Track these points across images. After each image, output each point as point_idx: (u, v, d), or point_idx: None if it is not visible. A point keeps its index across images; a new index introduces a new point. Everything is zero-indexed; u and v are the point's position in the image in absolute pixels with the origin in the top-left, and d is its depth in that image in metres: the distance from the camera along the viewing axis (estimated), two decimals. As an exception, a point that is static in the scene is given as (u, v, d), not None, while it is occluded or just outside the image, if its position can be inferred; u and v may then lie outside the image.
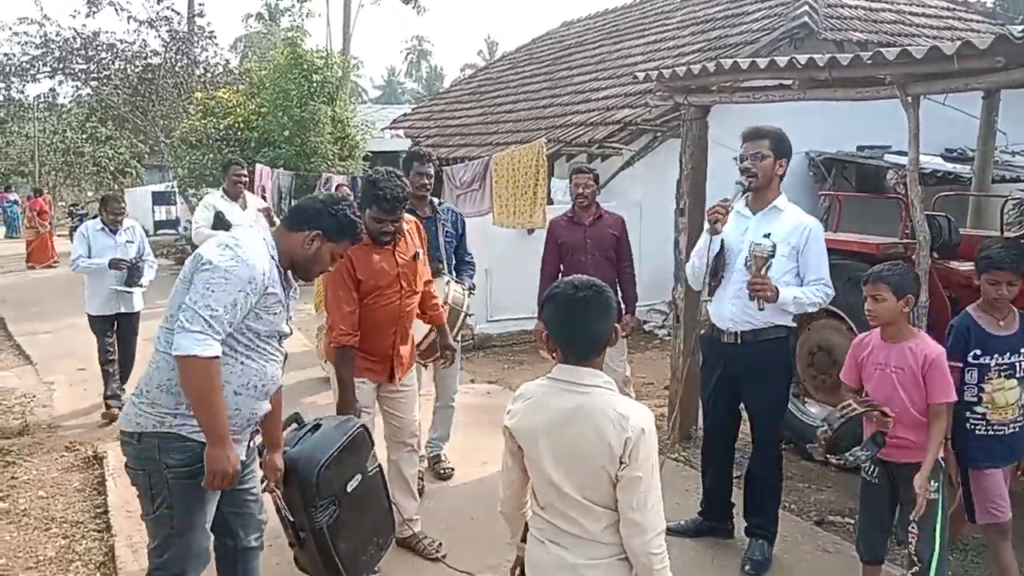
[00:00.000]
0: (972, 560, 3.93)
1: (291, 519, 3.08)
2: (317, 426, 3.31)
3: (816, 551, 3.90)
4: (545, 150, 7.56)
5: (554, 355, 2.11)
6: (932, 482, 3.00)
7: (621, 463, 1.96)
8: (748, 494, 3.87)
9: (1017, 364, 3.28)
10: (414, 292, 3.79)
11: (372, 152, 14.98)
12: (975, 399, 3.29)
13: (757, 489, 3.83)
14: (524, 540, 2.24)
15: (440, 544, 3.82)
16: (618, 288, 5.01)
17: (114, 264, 5.93)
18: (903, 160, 9.25)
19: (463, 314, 4.48)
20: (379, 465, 3.38)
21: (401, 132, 16.72)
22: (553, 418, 2.03)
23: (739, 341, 3.69)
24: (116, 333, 6.21)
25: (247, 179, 6.58)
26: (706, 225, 3.72)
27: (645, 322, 8.91)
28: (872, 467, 3.17)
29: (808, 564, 3.80)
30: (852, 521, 4.27)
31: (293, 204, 3.32)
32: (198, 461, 2.58)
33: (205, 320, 2.47)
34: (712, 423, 3.98)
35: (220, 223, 6.26)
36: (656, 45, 12.47)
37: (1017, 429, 3.29)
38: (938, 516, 3.01)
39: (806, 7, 10.08)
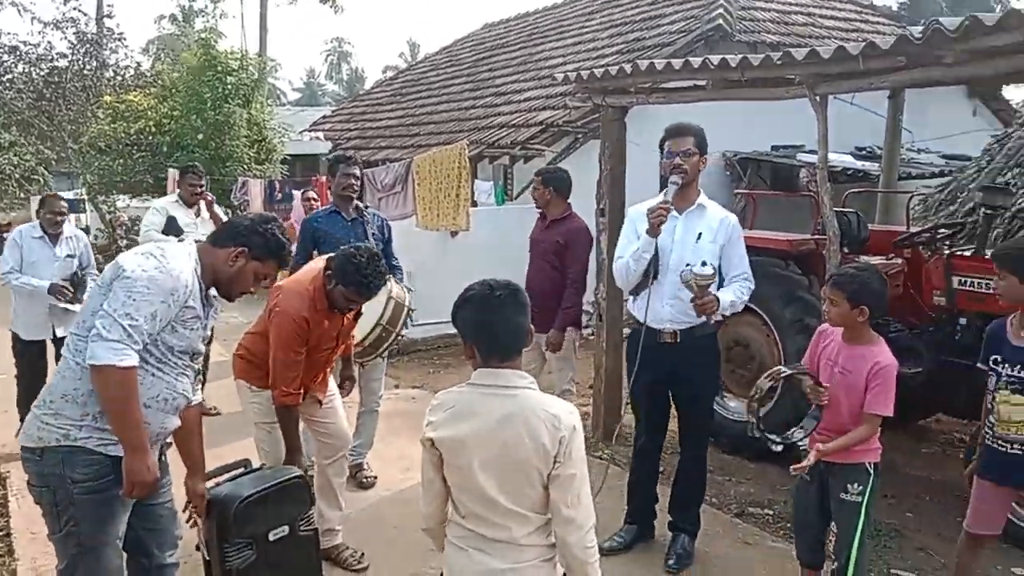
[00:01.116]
0: (885, 545, 4.07)
1: (205, 556, 2.98)
2: (256, 469, 3.27)
3: (736, 543, 3.99)
4: (467, 152, 7.52)
5: (472, 360, 2.09)
6: (857, 485, 3.00)
7: (556, 463, 1.96)
8: (675, 491, 3.91)
9: None
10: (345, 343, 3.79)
11: (291, 155, 14.69)
12: (991, 407, 3.14)
13: (684, 487, 3.87)
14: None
15: (363, 555, 3.74)
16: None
17: (55, 290, 5.24)
18: (815, 158, 9.58)
19: (407, 309, 4.39)
20: (315, 530, 3.24)
21: (321, 135, 16.44)
22: (483, 425, 2.00)
23: (678, 341, 3.70)
24: (47, 357, 5.48)
25: (203, 188, 6.18)
26: (639, 226, 3.70)
27: (587, 326, 8.94)
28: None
29: (728, 556, 3.88)
30: (771, 512, 4.39)
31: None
32: (106, 475, 2.47)
33: (124, 328, 2.37)
34: (647, 423, 3.97)
35: (172, 228, 5.91)
36: (576, 47, 12.57)
37: (1022, 452, 3.04)
38: (860, 520, 3.00)
39: (721, 10, 10.31)
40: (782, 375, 3.14)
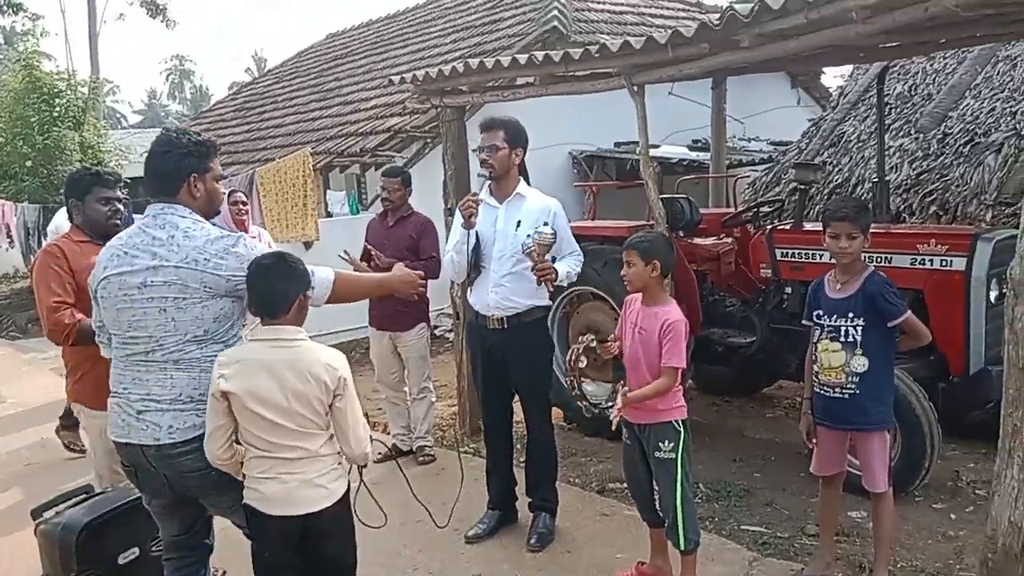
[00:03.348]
0: (734, 504, 4.34)
1: None
2: (99, 493, 3.14)
3: (596, 516, 4.17)
4: (310, 160, 7.44)
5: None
6: (668, 442, 3.23)
7: (335, 396, 2.47)
8: (529, 472, 4.04)
9: (842, 328, 3.27)
10: None
11: (131, 178, 13.94)
12: (815, 357, 3.39)
13: (537, 466, 4.00)
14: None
15: (224, 572, 3.65)
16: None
17: None
18: (653, 152, 10.05)
19: None
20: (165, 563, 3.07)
21: (164, 155, 15.73)
22: (271, 371, 2.43)
23: (505, 326, 3.83)
24: None
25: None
26: (460, 220, 3.82)
27: (436, 327, 8.99)
28: (624, 430, 3.41)
29: (588, 528, 4.05)
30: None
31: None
32: None
33: None
34: (488, 409, 4.11)
35: None
36: (420, 53, 12.64)
37: (847, 396, 3.29)
38: (677, 474, 3.23)
39: (555, 12, 10.64)
40: (581, 346, 3.37)
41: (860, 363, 3.25)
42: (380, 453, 4.16)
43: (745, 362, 5.47)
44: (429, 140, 9.22)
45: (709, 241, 6.05)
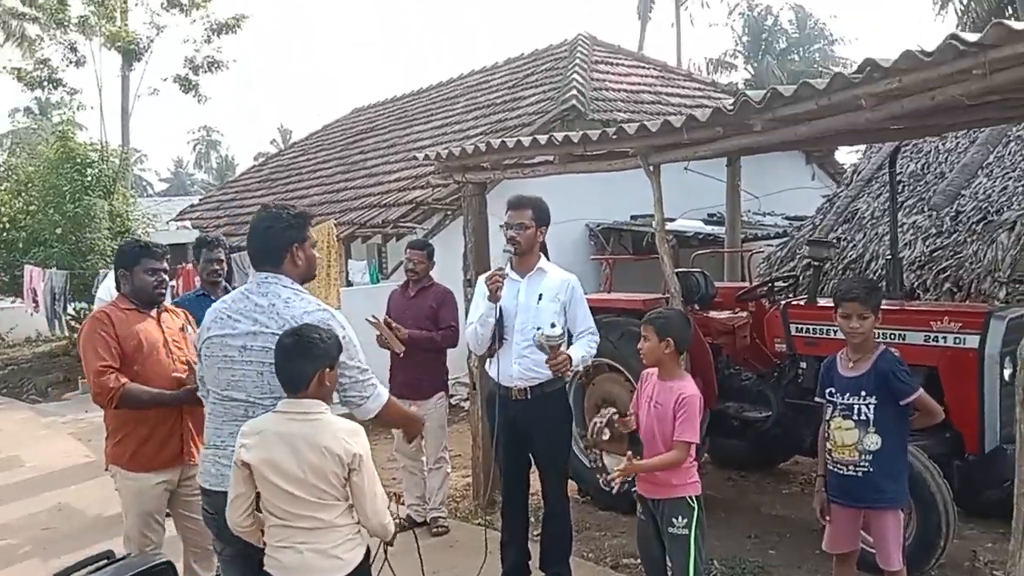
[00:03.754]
0: (748, 581, 4.31)
1: None
2: (120, 559, 3.20)
3: (609, 592, 4.14)
4: (335, 231, 7.64)
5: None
6: (681, 518, 3.28)
7: (351, 470, 2.53)
8: (544, 545, 4.06)
9: (855, 407, 3.33)
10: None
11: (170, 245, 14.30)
12: (827, 435, 3.46)
13: (553, 540, 4.03)
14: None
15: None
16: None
17: None
18: (669, 226, 10.21)
19: None
20: None
21: (188, 223, 16.12)
22: (289, 444, 2.51)
23: (528, 396, 3.92)
24: None
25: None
26: (485, 292, 3.92)
27: (452, 395, 9.04)
28: (638, 505, 3.44)
29: (602, 605, 4.02)
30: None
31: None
32: None
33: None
34: (508, 479, 4.14)
35: None
36: (443, 129, 13.00)
37: (860, 474, 3.33)
38: (691, 550, 3.27)
39: (574, 91, 10.97)
40: (603, 419, 3.44)
41: (873, 441, 3.28)
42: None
43: (761, 437, 5.47)
44: (450, 212, 9.44)
45: (724, 315, 6.11)
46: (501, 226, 4.05)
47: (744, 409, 5.50)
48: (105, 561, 3.23)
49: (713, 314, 6.10)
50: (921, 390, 3.34)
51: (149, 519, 3.52)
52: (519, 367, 3.90)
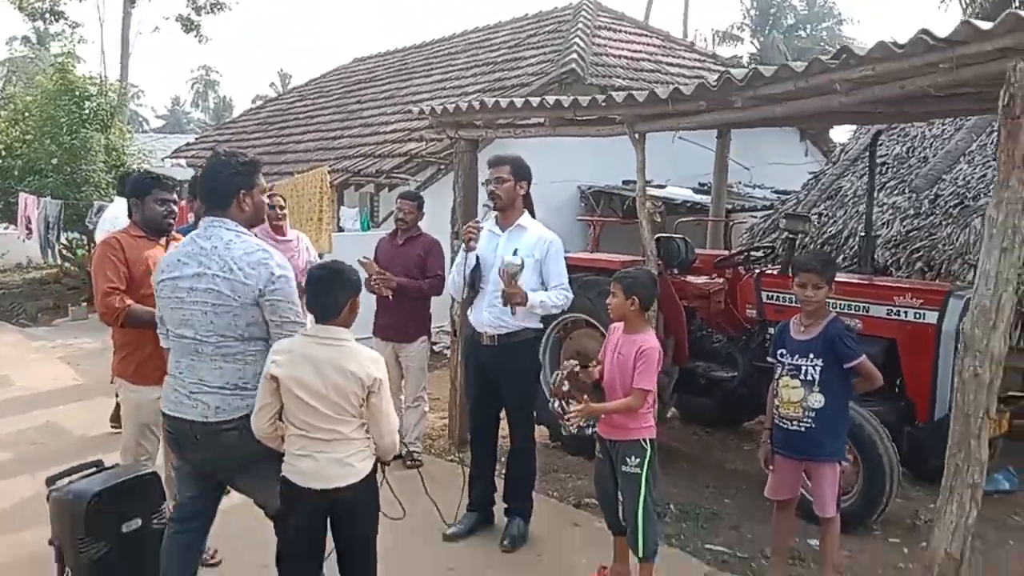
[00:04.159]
0: (702, 525, 4.62)
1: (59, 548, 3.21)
2: (109, 468, 3.46)
3: (568, 526, 4.48)
4: (328, 177, 7.79)
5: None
6: (635, 458, 3.54)
7: (370, 392, 2.84)
8: (508, 480, 4.36)
9: (803, 367, 3.58)
10: None
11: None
12: (776, 392, 3.73)
13: (516, 475, 4.32)
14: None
15: (215, 551, 3.95)
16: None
17: None
18: (659, 192, 10.40)
19: None
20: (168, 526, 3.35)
21: (183, 162, 16.19)
22: (315, 365, 2.81)
23: (495, 343, 4.16)
24: None
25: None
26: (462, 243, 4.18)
27: (435, 343, 9.29)
28: (597, 445, 3.72)
29: (560, 537, 4.36)
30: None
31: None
32: None
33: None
34: (475, 419, 4.43)
35: None
36: (442, 84, 13.06)
37: (803, 429, 3.59)
38: (641, 488, 3.54)
39: (575, 55, 11.06)
40: (567, 370, 3.68)
41: (817, 400, 3.55)
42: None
43: (727, 396, 5.74)
44: (443, 167, 9.58)
45: (701, 280, 6.35)
46: (483, 183, 4.26)
47: (713, 369, 5.76)
48: (94, 469, 3.48)
49: (691, 279, 6.34)
50: (864, 356, 3.59)
51: (145, 429, 3.77)
52: (489, 315, 4.15)
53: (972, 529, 3.41)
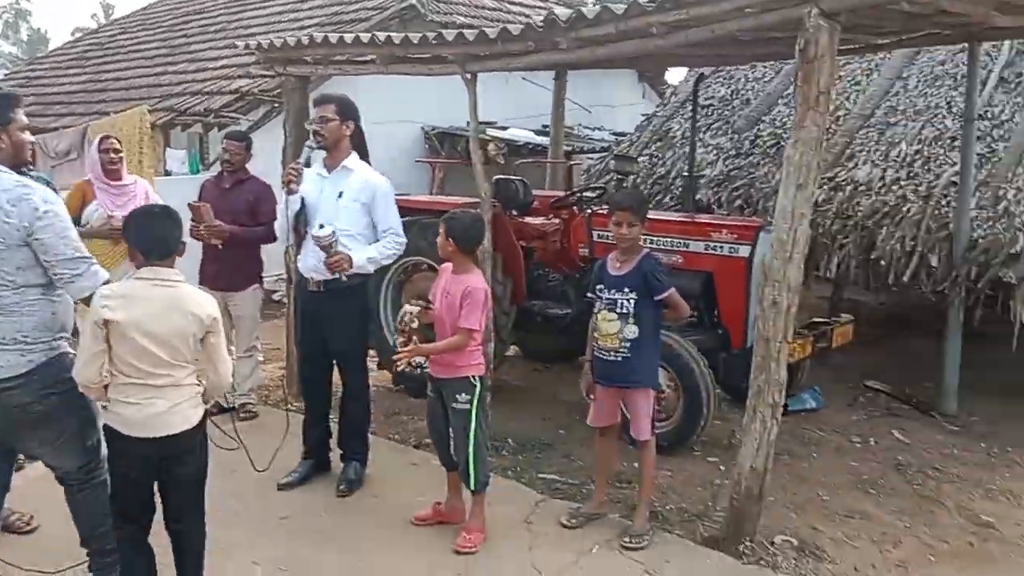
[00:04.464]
0: (536, 456, 4.82)
1: None
2: None
3: (407, 466, 4.56)
4: (148, 117, 7.32)
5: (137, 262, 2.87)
6: (464, 395, 3.63)
7: (208, 332, 2.83)
8: (342, 425, 4.35)
9: (618, 301, 3.74)
10: None
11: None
12: (595, 325, 3.87)
13: (349, 419, 4.31)
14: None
15: (32, 517, 3.75)
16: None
17: None
18: (501, 134, 10.46)
19: None
20: None
21: (-10, 100, 14.66)
22: (152, 307, 2.75)
23: (322, 289, 4.09)
24: None
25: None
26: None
27: (274, 292, 9.04)
28: (428, 384, 3.80)
29: (398, 477, 4.43)
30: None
31: None
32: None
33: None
34: (306, 367, 4.37)
35: None
36: (278, 17, 12.42)
37: (620, 359, 3.76)
38: (471, 423, 3.64)
39: (414, -10, 10.78)
40: (406, 313, 3.71)
41: (632, 331, 3.75)
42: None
43: (563, 332, 5.94)
44: (276, 105, 9.16)
45: (539, 221, 6.49)
46: (307, 123, 4.13)
47: (549, 307, 5.94)
48: None
49: (529, 219, 6.45)
50: (673, 289, 3.82)
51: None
52: (314, 260, 4.05)
53: (774, 444, 3.75)
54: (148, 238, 2.83)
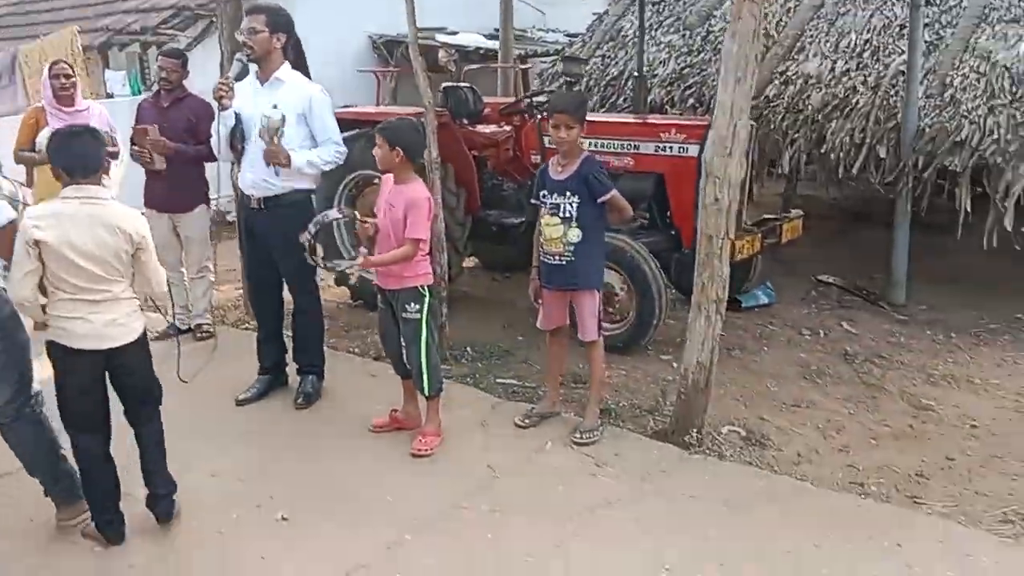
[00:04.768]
0: (495, 363, 4.90)
1: None
2: None
3: (365, 377, 4.64)
4: (78, 39, 7.02)
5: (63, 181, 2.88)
6: (414, 304, 3.67)
7: (138, 248, 2.88)
8: (296, 339, 4.37)
9: (561, 205, 3.73)
10: None
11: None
12: (540, 230, 3.86)
13: (302, 334, 4.33)
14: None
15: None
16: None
17: None
18: (452, 40, 10.20)
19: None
20: None
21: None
22: (80, 225, 2.78)
23: (263, 207, 4.04)
24: None
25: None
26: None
27: (228, 212, 8.91)
28: (379, 295, 3.83)
29: (356, 388, 4.49)
30: (401, 352, 5.03)
31: None
32: None
33: None
34: (254, 284, 4.36)
35: None
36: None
37: (564, 263, 3.78)
38: (422, 331, 3.69)
39: None
40: (328, 219, 3.77)
41: (575, 235, 3.77)
42: (158, 331, 4.29)
43: (518, 240, 5.94)
44: (214, 20, 8.82)
45: (490, 129, 6.39)
46: (236, 34, 3.99)
47: (503, 216, 5.92)
48: None
49: (480, 128, 6.35)
50: (615, 191, 3.82)
51: None
52: (252, 176, 3.99)
53: (719, 339, 3.84)
54: (70, 156, 2.86)
